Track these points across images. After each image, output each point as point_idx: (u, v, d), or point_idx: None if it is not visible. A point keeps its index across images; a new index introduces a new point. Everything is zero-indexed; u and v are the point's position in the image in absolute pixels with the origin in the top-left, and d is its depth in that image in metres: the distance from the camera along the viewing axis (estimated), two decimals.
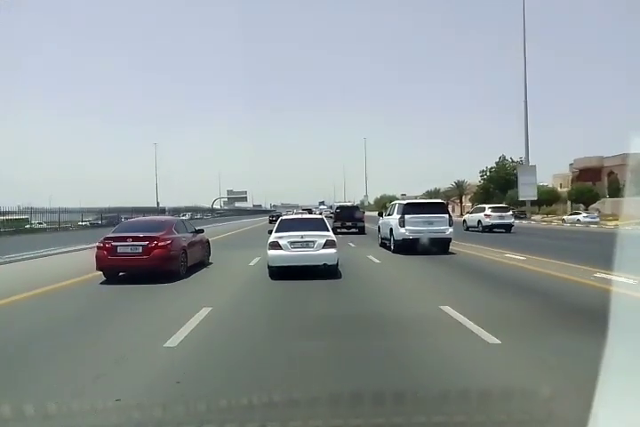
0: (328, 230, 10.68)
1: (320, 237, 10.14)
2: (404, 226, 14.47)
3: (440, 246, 14.59)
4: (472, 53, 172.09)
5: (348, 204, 45.31)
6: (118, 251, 9.72)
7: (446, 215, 14.79)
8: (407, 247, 14.42)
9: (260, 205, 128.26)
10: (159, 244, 9.77)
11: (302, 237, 10.07)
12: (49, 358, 4.68)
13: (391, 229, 15.30)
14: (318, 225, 10.84)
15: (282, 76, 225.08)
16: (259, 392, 3.47)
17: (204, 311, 6.47)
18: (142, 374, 4.19)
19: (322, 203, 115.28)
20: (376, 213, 28.36)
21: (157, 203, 52.89)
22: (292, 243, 10.01)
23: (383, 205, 74.02)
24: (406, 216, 14.55)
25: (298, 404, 3.34)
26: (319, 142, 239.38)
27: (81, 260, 12.24)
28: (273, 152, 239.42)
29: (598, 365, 2.96)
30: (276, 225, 10.92)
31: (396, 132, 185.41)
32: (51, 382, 3.95)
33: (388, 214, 16.68)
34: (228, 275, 10.99)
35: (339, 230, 26.02)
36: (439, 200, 20.76)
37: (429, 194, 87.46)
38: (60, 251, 15.87)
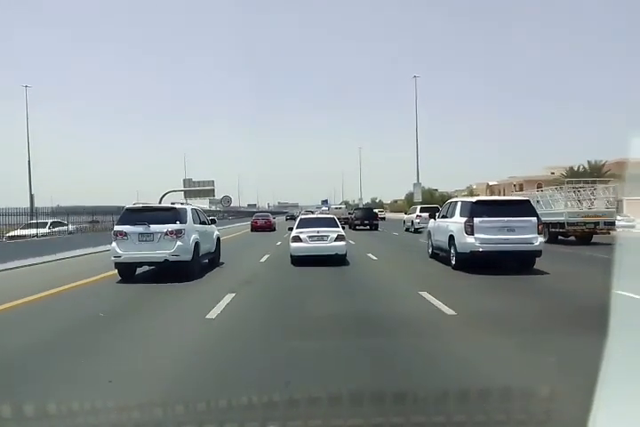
0: (339, 227, 13.09)
1: (333, 232, 12.54)
2: (472, 233, 10.83)
3: (523, 262, 11.30)
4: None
5: (360, 205, 62.02)
6: (258, 223, 34.03)
7: (533, 219, 11.05)
8: (475, 263, 10.97)
9: (255, 205, 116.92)
10: (270, 220, 35.51)
11: (318, 232, 12.52)
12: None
13: (451, 237, 11.66)
14: (331, 223, 13.29)
15: (296, 65, 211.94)
16: (259, 391, 3.55)
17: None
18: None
19: (325, 202, 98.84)
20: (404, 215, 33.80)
21: (31, 198, 35.60)
22: (310, 237, 12.47)
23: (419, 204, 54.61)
24: (476, 220, 10.87)
25: (298, 404, 3.40)
26: (321, 139, 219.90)
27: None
28: (272, 146, 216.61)
29: None
30: (297, 223, 13.57)
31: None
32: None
33: (443, 216, 13.16)
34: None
35: (358, 227, 32.50)
36: (523, 198, 15.09)
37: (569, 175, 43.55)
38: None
